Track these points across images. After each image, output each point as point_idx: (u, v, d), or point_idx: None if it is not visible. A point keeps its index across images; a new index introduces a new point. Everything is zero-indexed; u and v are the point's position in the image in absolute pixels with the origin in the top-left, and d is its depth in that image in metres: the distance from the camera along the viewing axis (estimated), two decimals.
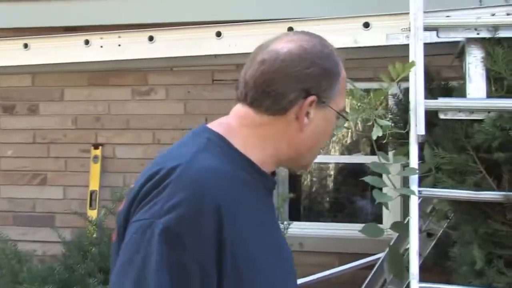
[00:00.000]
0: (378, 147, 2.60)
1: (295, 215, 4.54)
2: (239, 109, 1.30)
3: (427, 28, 2.71)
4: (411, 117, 2.58)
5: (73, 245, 3.24)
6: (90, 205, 4.46)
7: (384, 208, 4.22)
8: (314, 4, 3.62)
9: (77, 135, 4.64)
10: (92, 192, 4.49)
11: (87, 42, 3.35)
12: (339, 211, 5.16)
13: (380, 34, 3.06)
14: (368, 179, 2.44)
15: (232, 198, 1.17)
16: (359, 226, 3.62)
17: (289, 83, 1.25)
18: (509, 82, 2.66)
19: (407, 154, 2.60)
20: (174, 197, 1.12)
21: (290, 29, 3.12)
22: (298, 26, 3.11)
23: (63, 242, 3.32)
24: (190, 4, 3.99)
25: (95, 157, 4.54)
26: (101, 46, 3.34)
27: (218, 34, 3.23)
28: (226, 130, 1.28)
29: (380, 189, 2.43)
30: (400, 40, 3.01)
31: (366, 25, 3.07)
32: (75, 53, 3.38)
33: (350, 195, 5.14)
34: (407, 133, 2.60)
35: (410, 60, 2.58)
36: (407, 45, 2.79)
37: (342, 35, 3.09)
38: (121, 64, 3.47)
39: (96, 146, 4.56)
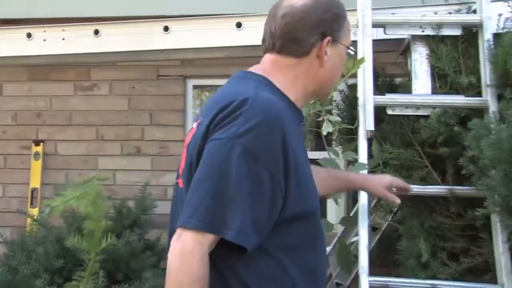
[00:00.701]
0: (322, 142, 2.62)
1: None
2: (269, 57, 1.59)
3: (374, 25, 2.76)
4: (360, 113, 2.62)
5: (16, 244, 3.14)
6: (31, 203, 4.33)
7: (328, 204, 4.28)
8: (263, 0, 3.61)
9: (17, 131, 4.48)
10: (33, 190, 4.36)
11: (29, 35, 3.25)
12: None
13: None
14: None
15: (287, 124, 1.43)
16: None
17: (310, 30, 1.55)
18: (453, 79, 2.74)
19: (355, 150, 2.64)
20: (249, 122, 1.37)
21: (239, 24, 3.12)
22: (246, 22, 3.11)
23: (5, 242, 3.21)
24: None
25: (36, 153, 4.40)
26: (44, 40, 3.25)
27: (166, 28, 3.19)
28: (266, 73, 1.56)
29: None
30: None
31: None
32: (16, 46, 3.28)
33: None
34: (356, 128, 2.64)
35: (359, 57, 2.62)
36: (353, 42, 2.83)
37: None
38: (65, 58, 3.38)
39: (37, 143, 4.42)
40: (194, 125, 1.53)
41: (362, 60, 2.56)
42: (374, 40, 2.75)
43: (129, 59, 3.66)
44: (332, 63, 1.59)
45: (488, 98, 2.57)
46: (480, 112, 2.61)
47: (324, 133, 2.48)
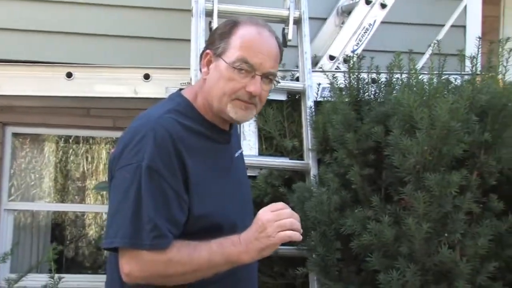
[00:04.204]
0: None
1: (58, 268, 4.29)
2: None
3: None
4: None
5: None
6: None
7: None
8: (95, 51, 3.53)
9: None
10: None
11: None
12: (104, 262, 5.02)
13: (160, 87, 3.12)
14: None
15: (187, 144, 1.59)
16: None
17: (204, 47, 1.73)
18: (278, 142, 2.88)
19: None
20: (150, 145, 1.54)
21: (69, 74, 3.04)
22: (78, 72, 3.05)
23: None
24: None
25: None
26: None
27: None
28: (192, 96, 1.70)
29: None
30: None
31: (147, 76, 3.12)
32: None
33: None
34: None
35: None
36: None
37: (123, 84, 3.10)
38: None
39: None
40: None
41: None
42: None
43: None
44: (211, 76, 1.66)
45: (310, 161, 2.74)
46: (302, 174, 2.77)
47: None
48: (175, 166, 1.55)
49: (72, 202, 4.86)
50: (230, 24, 1.68)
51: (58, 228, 4.93)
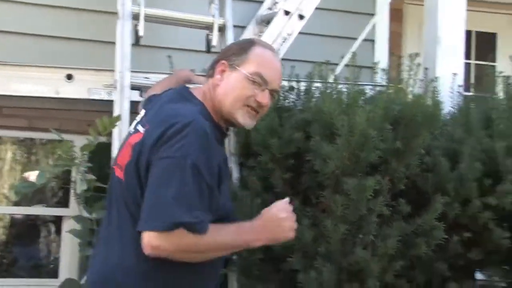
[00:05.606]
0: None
1: None
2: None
3: (132, 87, 2.83)
4: None
5: None
6: None
7: (60, 264, 4.12)
8: (17, 48, 3.45)
9: None
10: None
11: None
12: (11, 265, 4.87)
13: (82, 88, 3.10)
14: (72, 232, 2.43)
15: (216, 146, 1.78)
16: (33, 280, 3.73)
17: (217, 58, 1.97)
18: None
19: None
20: (194, 143, 1.70)
21: None
22: None
23: None
24: None
25: None
26: None
27: None
28: (203, 98, 1.92)
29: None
30: (102, 95, 3.10)
31: (69, 77, 3.09)
32: None
33: (24, 248, 4.92)
34: None
35: (115, 115, 2.68)
36: (109, 101, 2.89)
37: (44, 84, 3.06)
38: None
39: None
40: (141, 128, 1.83)
41: (117, 118, 2.63)
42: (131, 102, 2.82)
43: None
44: (226, 83, 1.90)
45: (232, 165, 2.82)
46: None
47: (79, 190, 2.47)
48: (213, 166, 1.73)
49: None
50: (249, 42, 1.98)
51: None
